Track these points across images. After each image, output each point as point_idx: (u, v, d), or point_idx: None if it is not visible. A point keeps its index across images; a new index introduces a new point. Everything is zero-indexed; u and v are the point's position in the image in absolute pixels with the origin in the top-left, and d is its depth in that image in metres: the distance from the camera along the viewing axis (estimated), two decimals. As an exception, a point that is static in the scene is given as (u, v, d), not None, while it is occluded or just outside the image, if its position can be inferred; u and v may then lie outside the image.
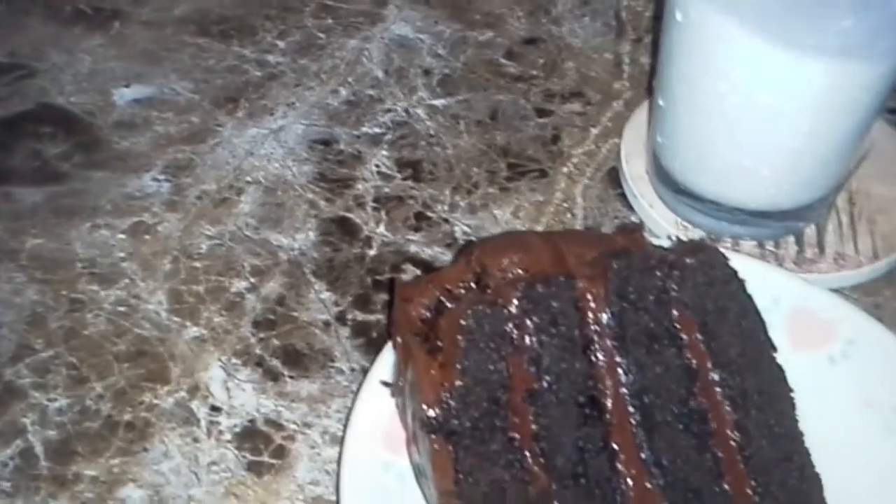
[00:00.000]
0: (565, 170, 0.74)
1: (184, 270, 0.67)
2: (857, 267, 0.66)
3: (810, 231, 0.68)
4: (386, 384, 0.55)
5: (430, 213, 0.71)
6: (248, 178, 0.73)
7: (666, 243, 0.58)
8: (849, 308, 0.60)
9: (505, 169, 0.74)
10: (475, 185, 0.73)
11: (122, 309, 0.64)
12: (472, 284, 0.53)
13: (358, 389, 0.55)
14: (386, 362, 0.55)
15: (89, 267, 0.67)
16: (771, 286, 0.59)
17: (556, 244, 0.53)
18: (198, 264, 0.67)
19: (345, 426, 0.54)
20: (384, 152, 0.75)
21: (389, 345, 0.55)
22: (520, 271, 0.52)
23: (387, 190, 0.72)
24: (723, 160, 0.64)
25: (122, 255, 0.68)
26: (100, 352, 0.62)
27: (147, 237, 0.69)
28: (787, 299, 0.59)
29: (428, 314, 0.52)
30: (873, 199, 0.70)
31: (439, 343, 0.50)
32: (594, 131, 0.78)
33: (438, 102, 0.79)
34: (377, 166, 0.74)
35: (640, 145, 0.73)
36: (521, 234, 0.65)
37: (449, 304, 0.51)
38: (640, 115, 0.75)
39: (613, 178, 0.74)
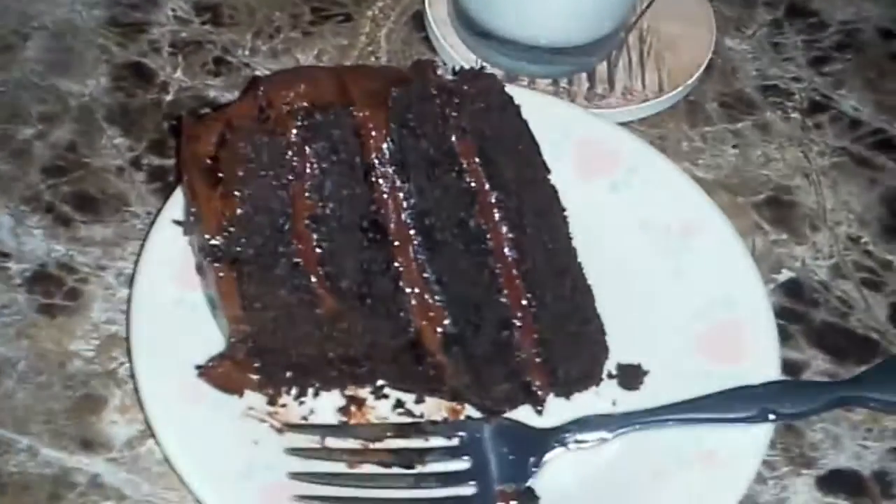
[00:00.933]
0: (370, 13, 0.74)
1: (-34, 119, 0.64)
2: (644, 101, 0.69)
3: (602, 68, 0.70)
4: (178, 223, 0.55)
5: (229, 58, 0.70)
6: (34, 24, 0.69)
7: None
8: (631, 138, 0.63)
9: (308, 13, 0.73)
10: (277, 29, 0.72)
11: None
12: (256, 118, 0.53)
13: (149, 229, 0.55)
14: (178, 202, 0.55)
15: None
16: (560, 120, 0.61)
17: (343, 77, 0.54)
18: (-19, 112, 0.64)
19: (135, 265, 0.54)
20: (181, -5, 0.73)
21: (181, 184, 0.55)
22: (304, 104, 0.52)
23: (184, 34, 0.70)
24: (513, -5, 0.65)
25: None
26: None
27: (-75, 84, 0.65)
28: (575, 131, 0.62)
29: (213, 150, 0.52)
30: (663, 37, 0.72)
31: (220, 175, 0.50)
32: (400, -26, 0.77)
33: (239, -55, 0.77)
34: (173, 10, 0.72)
35: (444, -11, 0.74)
36: (309, 68, 0.65)
37: (227, 136, 0.51)
38: (444, -42, 0.75)
39: (418, 21, 0.74)
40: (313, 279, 0.51)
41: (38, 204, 0.60)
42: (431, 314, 0.51)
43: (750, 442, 0.52)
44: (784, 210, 0.66)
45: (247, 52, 0.70)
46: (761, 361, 0.55)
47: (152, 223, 0.56)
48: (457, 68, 0.56)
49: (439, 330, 0.51)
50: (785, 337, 0.59)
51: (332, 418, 0.53)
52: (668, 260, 0.59)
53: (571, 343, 0.53)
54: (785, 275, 0.63)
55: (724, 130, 0.70)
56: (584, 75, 0.70)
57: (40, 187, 0.61)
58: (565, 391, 0.53)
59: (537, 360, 0.52)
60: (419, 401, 0.54)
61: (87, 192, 0.61)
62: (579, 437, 0.52)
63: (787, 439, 0.56)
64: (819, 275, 0.63)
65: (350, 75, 0.54)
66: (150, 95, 0.67)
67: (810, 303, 0.62)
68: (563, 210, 0.55)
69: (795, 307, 0.61)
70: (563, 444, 0.51)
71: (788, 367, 0.58)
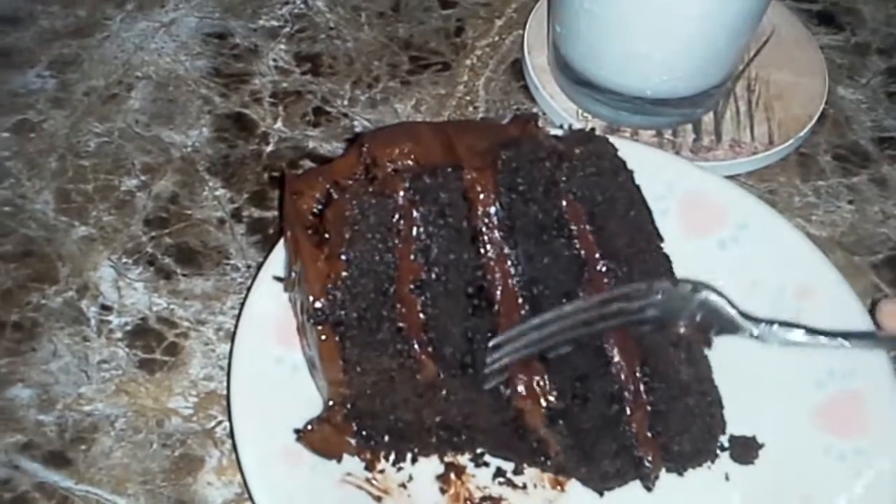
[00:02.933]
0: (468, 62, 0.73)
1: (71, 169, 0.65)
2: (753, 153, 0.66)
3: (708, 119, 0.68)
4: (278, 279, 0.54)
5: (329, 108, 0.69)
6: (138, 74, 0.70)
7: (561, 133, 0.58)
8: (740, 193, 0.61)
9: (407, 62, 0.73)
10: (376, 78, 0.72)
11: (7, 209, 0.62)
12: (361, 176, 0.52)
13: (250, 285, 0.55)
14: (279, 257, 0.55)
15: (-27, 167, 0.65)
16: (665, 172, 0.59)
17: (448, 134, 0.53)
18: (86, 162, 0.65)
19: (236, 321, 0.54)
20: (282, 46, 0.73)
21: (282, 241, 0.55)
22: (409, 162, 0.51)
23: (284, 85, 0.71)
24: (618, 47, 0.63)
25: (6, 153, 0.65)
26: (-15, 254, 0.61)
27: (32, 135, 0.66)
28: (681, 185, 0.60)
29: (318, 207, 0.51)
30: (772, 86, 0.70)
31: (326, 235, 0.49)
32: (498, 23, 0.76)
33: (339, -6, 0.77)
34: (275, 60, 0.72)
35: (544, 36, 0.72)
36: (413, 124, 0.64)
37: (334, 195, 0.51)
38: (544, 6, 0.74)
39: (517, 70, 0.73)
40: (416, 345, 0.49)
41: (141, 256, 0.61)
42: (536, 388, 0.50)
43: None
44: (904, 271, 0.63)
45: (346, 102, 0.70)
46: (884, 435, 0.51)
47: (253, 278, 0.55)
48: (563, 125, 0.55)
49: (543, 404, 0.49)
50: (907, 408, 0.56)
51: (432, 485, 0.52)
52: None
53: (685, 416, 0.50)
54: (906, 341, 0.59)
55: (839, 185, 0.67)
56: (689, 126, 0.68)
57: (142, 239, 0.61)
58: (678, 467, 0.51)
59: (649, 434, 0.50)
60: (518, 471, 0.52)
61: (188, 245, 0.61)
62: None
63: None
64: (943, 342, 0.59)
65: (455, 133, 0.53)
66: (251, 146, 0.67)
67: (935, 372, 0.58)
68: (677, 281, 0.52)
69: (918, 376, 0.58)
70: None
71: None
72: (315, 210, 0.51)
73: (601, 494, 0.50)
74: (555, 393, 0.49)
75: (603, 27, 0.63)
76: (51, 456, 0.53)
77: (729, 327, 0.51)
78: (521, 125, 0.55)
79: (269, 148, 0.67)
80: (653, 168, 0.57)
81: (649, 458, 0.50)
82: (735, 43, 0.64)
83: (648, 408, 0.50)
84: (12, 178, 0.64)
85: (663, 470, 0.50)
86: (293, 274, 0.52)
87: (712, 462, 0.51)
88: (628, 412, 0.49)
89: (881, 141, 0.69)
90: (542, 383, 0.49)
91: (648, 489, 0.50)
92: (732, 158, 0.66)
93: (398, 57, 0.73)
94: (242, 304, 0.54)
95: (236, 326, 0.53)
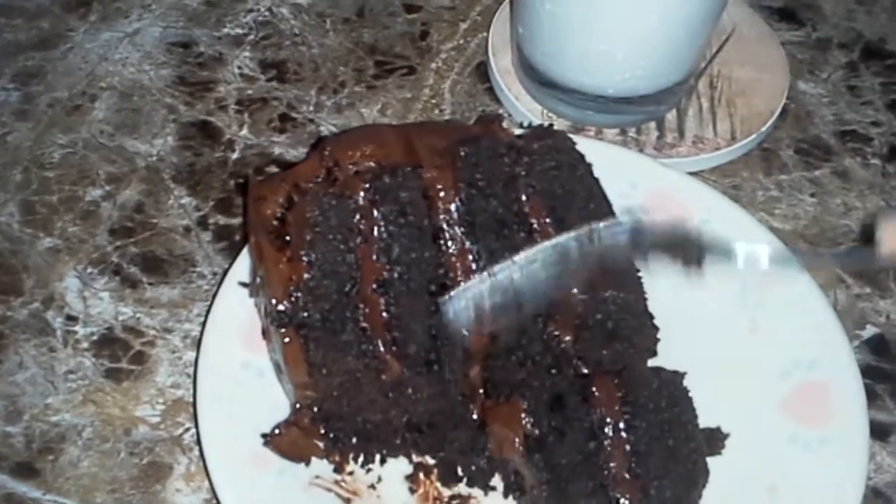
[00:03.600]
0: (434, 66, 0.74)
1: (35, 181, 0.65)
2: (716, 149, 0.67)
3: (671, 116, 0.69)
4: (244, 284, 0.54)
5: (294, 114, 0.70)
6: (103, 84, 0.70)
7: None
8: (703, 188, 0.61)
9: (372, 67, 0.73)
10: (342, 84, 0.72)
11: (-29, 222, 0.63)
12: (323, 179, 0.52)
13: (216, 291, 0.55)
14: (245, 263, 0.55)
15: (-65, 180, 0.65)
16: (629, 170, 0.60)
17: (409, 135, 0.53)
18: (50, 174, 0.65)
19: (202, 327, 0.54)
20: (247, 53, 0.73)
21: (248, 246, 0.55)
22: (370, 163, 0.51)
23: (250, 92, 0.71)
24: (579, 46, 0.64)
25: (-31, 167, 0.65)
26: (-52, 267, 0.60)
27: (-4, 148, 0.67)
28: (645, 182, 0.60)
29: (281, 211, 0.51)
30: (734, 83, 0.71)
31: (287, 238, 0.49)
32: (463, 26, 0.76)
33: (303, 0, 0.77)
34: (239, 68, 0.72)
35: (508, 39, 0.73)
36: (374, 126, 0.64)
37: (295, 199, 0.51)
38: (508, 9, 0.74)
39: (482, 72, 0.73)
40: (380, 344, 0.49)
41: (106, 266, 0.61)
42: (514, 418, 0.49)
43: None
44: (867, 262, 0.63)
45: (311, 108, 0.70)
46: (849, 424, 0.52)
47: (219, 285, 0.55)
48: (524, 123, 0.55)
49: (521, 434, 0.48)
50: (871, 397, 0.56)
51: (401, 486, 0.52)
52: (744, 315, 0.57)
53: (666, 459, 0.49)
54: (869, 331, 0.60)
55: (801, 178, 0.67)
56: (653, 124, 0.68)
57: (108, 249, 0.61)
58: None
59: (627, 475, 0.48)
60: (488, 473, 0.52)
61: (154, 254, 0.61)
62: None
63: (877, 508, 0.53)
64: (906, 330, 0.60)
65: (416, 133, 0.53)
66: (216, 154, 0.67)
67: (897, 360, 0.59)
68: (638, 270, 0.53)
69: (881, 364, 0.59)
70: None
71: (875, 429, 0.55)
72: (277, 214, 0.51)
73: None
74: (531, 421, 0.49)
75: (564, 27, 0.63)
76: (18, 467, 0.53)
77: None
78: (484, 125, 0.55)
79: (235, 155, 0.67)
80: (617, 166, 0.58)
81: (626, 501, 0.48)
82: (695, 40, 0.64)
83: (628, 447, 0.48)
84: (-24, 191, 0.64)
85: None
86: (258, 279, 0.52)
87: None
88: (607, 449, 0.48)
89: (843, 134, 0.70)
90: (519, 414, 0.49)
91: None
92: (696, 155, 0.66)
93: (363, 62, 0.73)
94: (208, 310, 0.54)
95: (202, 332, 0.53)
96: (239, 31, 0.75)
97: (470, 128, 0.55)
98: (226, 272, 0.56)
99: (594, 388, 0.49)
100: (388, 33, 0.75)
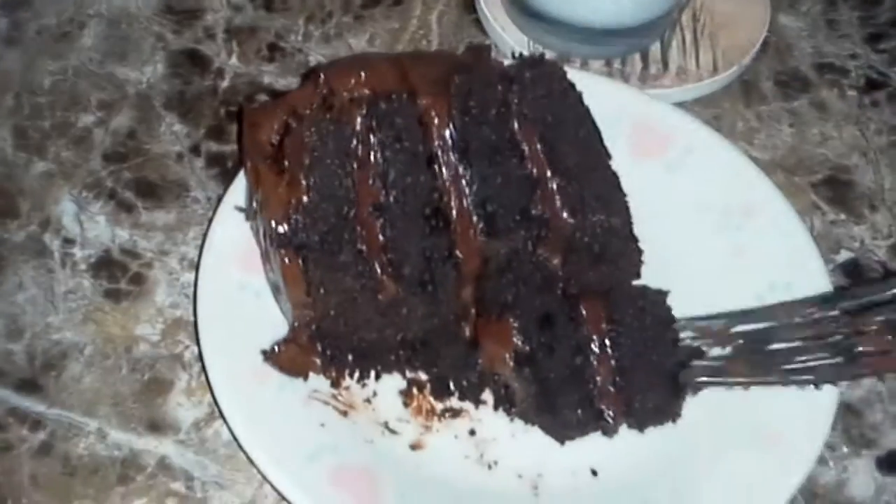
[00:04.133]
0: (421, -4, 0.74)
1: (27, 106, 0.65)
2: (699, 81, 0.68)
3: (655, 48, 0.70)
4: (240, 209, 0.55)
5: (283, 44, 0.70)
6: (90, 12, 0.70)
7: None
8: (686, 118, 0.63)
9: (360, -4, 0.74)
10: (329, 14, 0.72)
11: (-37, 147, 0.63)
12: (318, 106, 0.53)
13: (211, 215, 0.56)
14: (239, 188, 0.56)
15: (-73, 107, 0.65)
16: (613, 100, 0.61)
17: (403, 64, 0.54)
18: (42, 100, 0.65)
19: (200, 250, 0.55)
20: (234, -18, 0.73)
21: (242, 172, 0.56)
22: (365, 91, 0.52)
23: (238, 21, 0.71)
24: (566, -24, 0.65)
25: (-40, 93, 0.66)
26: (-57, 190, 0.61)
27: (-14, 74, 0.67)
28: (628, 112, 0.61)
29: (276, 137, 0.52)
30: (716, 16, 0.72)
31: (285, 163, 0.51)
32: (450, -43, 0.77)
33: (289, -70, 0.77)
34: (227, -4, 0.72)
35: (495, -30, 0.73)
36: (368, 55, 0.65)
37: (292, 125, 0.52)
38: (495, -61, 0.75)
39: (469, 3, 0.74)
40: (376, 265, 0.51)
41: (101, 190, 0.61)
42: (504, 334, 0.51)
43: (813, 423, 0.51)
44: (842, 189, 0.65)
45: (300, 38, 0.70)
46: None
47: (214, 209, 0.56)
48: (515, 53, 0.56)
49: (511, 350, 0.50)
50: (843, 317, 0.59)
51: (395, 399, 0.54)
52: (727, 240, 0.59)
53: (650, 373, 0.51)
54: (844, 255, 0.62)
55: (780, 109, 0.69)
56: (637, 55, 0.70)
57: (102, 174, 0.62)
58: (639, 423, 0.52)
59: (611, 388, 0.51)
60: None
61: (148, 179, 0.62)
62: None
63: (847, 420, 0.55)
64: (878, 255, 0.62)
65: (409, 62, 0.54)
66: (206, 82, 0.67)
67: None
68: (625, 196, 0.54)
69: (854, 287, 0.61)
70: None
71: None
72: (273, 140, 0.52)
73: (562, 443, 0.52)
74: (521, 339, 0.50)
75: (551, -44, 0.64)
76: (22, 383, 0.54)
77: None
78: (473, 55, 0.56)
79: (225, 84, 0.67)
80: (602, 96, 0.58)
81: (611, 412, 0.51)
82: (680, -29, 0.65)
83: (613, 362, 0.51)
84: (-32, 116, 0.64)
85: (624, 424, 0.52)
86: (254, 203, 0.53)
87: (674, 422, 0.52)
88: (593, 364, 0.51)
89: (821, 67, 0.72)
90: (510, 331, 0.51)
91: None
92: (679, 86, 0.68)
93: (351, -8, 0.74)
94: (205, 234, 0.55)
95: (200, 254, 0.55)
96: (226, -41, 0.75)
97: (461, 58, 0.57)
98: (220, 197, 0.57)
99: (582, 308, 0.51)
100: (375, -36, 0.76)
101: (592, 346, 0.51)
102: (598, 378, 0.51)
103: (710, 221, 0.59)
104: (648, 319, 0.52)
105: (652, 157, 0.61)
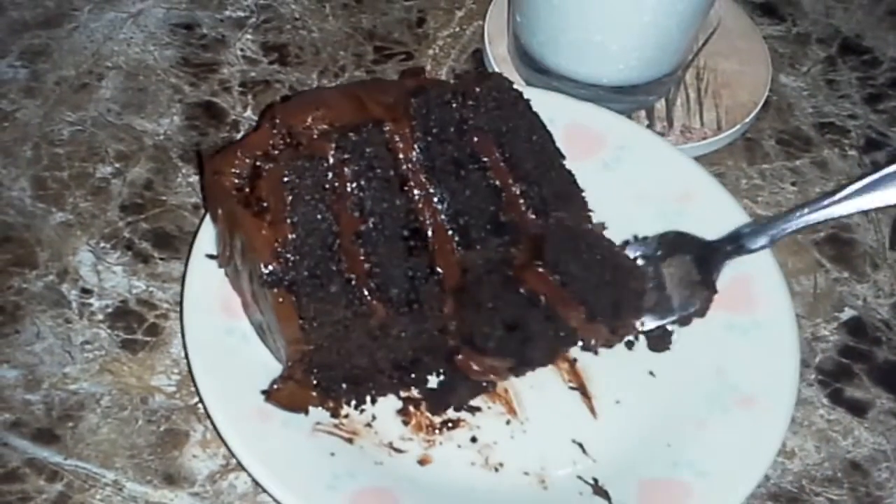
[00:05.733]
0: (431, 52, 0.76)
1: (46, 157, 0.66)
2: (703, 139, 0.70)
3: (660, 105, 0.72)
4: (211, 256, 0.56)
5: (295, 96, 0.71)
6: (108, 64, 0.72)
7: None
8: (616, 119, 0.66)
9: (371, 52, 0.75)
10: (342, 68, 0.74)
11: (-17, 197, 0.64)
12: (280, 145, 0.54)
13: (185, 265, 0.57)
14: (206, 237, 0.57)
15: (-53, 155, 0.66)
16: (546, 107, 0.60)
17: (355, 94, 0.56)
18: (60, 150, 0.66)
19: (180, 302, 0.56)
20: (249, 36, 0.75)
21: (207, 218, 0.57)
22: (324, 126, 0.54)
23: (253, 74, 0.72)
24: (576, 36, 0.66)
25: (-20, 142, 0.67)
26: (-37, 239, 0.62)
27: (6, 124, 0.67)
28: (561, 117, 0.63)
29: (240, 181, 0.53)
30: (719, 75, 0.74)
31: (264, 204, 0.51)
32: (459, 14, 0.79)
33: (302, -15, 0.79)
34: (242, 50, 0.74)
35: (503, 27, 0.75)
36: (318, 90, 0.66)
37: (264, 167, 0.52)
38: (502, -2, 0.77)
39: (477, 59, 0.75)
40: (364, 291, 0.53)
41: (118, 241, 0.62)
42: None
43: (783, 384, 0.55)
44: (844, 248, 0.67)
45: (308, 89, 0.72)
46: (774, 307, 0.58)
47: (186, 260, 0.57)
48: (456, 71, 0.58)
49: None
50: (849, 376, 0.60)
51: (394, 420, 0.55)
52: (668, 226, 0.62)
53: (606, 287, 0.57)
54: (847, 313, 0.63)
55: (783, 168, 0.71)
56: (643, 112, 0.71)
57: (119, 224, 0.63)
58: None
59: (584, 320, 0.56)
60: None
61: (164, 230, 0.63)
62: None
63: (853, 479, 0.56)
64: (881, 313, 0.64)
65: (362, 91, 0.56)
66: (221, 134, 0.68)
67: (873, 341, 0.62)
68: (582, 191, 0.58)
69: (858, 346, 0.62)
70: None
71: (852, 406, 0.59)
72: (240, 184, 0.53)
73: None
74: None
75: (562, 17, 0.66)
76: (39, 433, 0.54)
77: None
78: (414, 77, 0.59)
79: (240, 136, 0.69)
80: (535, 105, 0.59)
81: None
82: (686, 33, 0.67)
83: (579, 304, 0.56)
84: (-13, 166, 0.65)
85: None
86: (228, 249, 0.54)
87: (631, 350, 0.59)
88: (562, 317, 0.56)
89: (821, 126, 0.73)
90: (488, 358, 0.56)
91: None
92: (683, 143, 0.69)
93: (363, 47, 0.75)
94: (182, 286, 0.56)
95: (181, 307, 0.55)
96: (240, 13, 0.76)
97: (405, 82, 0.58)
98: (191, 247, 0.57)
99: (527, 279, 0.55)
100: (386, 19, 0.77)
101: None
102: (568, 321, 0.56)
103: (650, 212, 0.63)
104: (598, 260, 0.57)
105: (589, 156, 0.64)
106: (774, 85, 0.74)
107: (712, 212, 0.62)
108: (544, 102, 0.62)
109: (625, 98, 0.70)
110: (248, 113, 0.70)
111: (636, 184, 0.63)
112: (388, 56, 0.75)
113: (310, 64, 0.73)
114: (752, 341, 0.57)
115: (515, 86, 0.57)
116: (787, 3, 0.82)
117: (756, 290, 0.59)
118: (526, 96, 0.58)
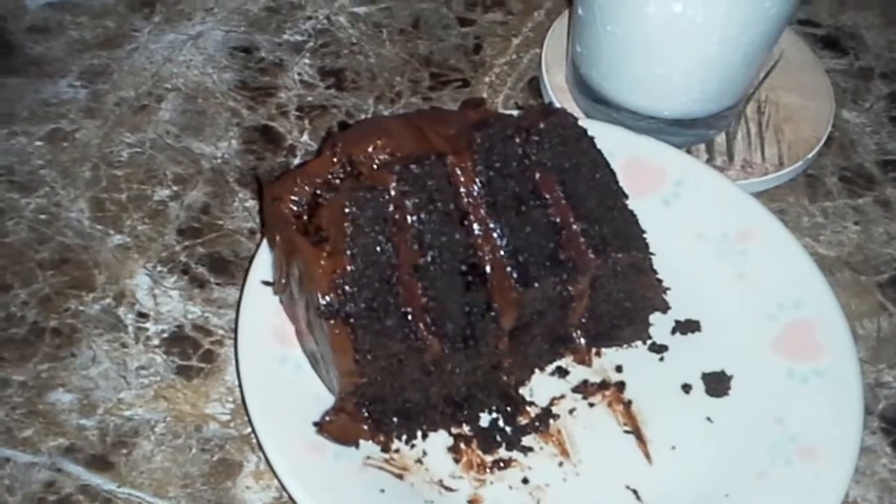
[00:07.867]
0: (487, 79, 0.75)
1: (105, 178, 0.66)
2: (764, 174, 0.69)
3: (720, 139, 0.71)
4: (267, 283, 0.56)
5: (353, 122, 0.71)
6: (168, 85, 0.72)
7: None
8: (674, 153, 0.65)
9: (427, 78, 0.75)
10: (398, 94, 0.74)
11: (43, 217, 0.64)
12: (340, 174, 0.54)
13: (241, 291, 0.56)
14: (262, 263, 0.57)
15: (7, 175, 0.66)
16: (605, 141, 0.59)
17: (417, 125, 0.55)
18: (119, 172, 0.67)
19: (235, 328, 0.56)
20: (306, 60, 0.75)
21: (264, 244, 0.56)
22: (385, 155, 0.53)
23: (310, 98, 0.72)
24: (638, 69, 0.66)
25: (40, 162, 0.67)
26: (22, 259, 0.62)
27: (65, 144, 0.68)
28: (621, 151, 0.62)
29: (299, 209, 0.53)
30: (781, 109, 0.72)
31: (323, 233, 0.51)
32: (516, 41, 0.78)
33: (360, 10, 0.79)
34: (299, 74, 0.74)
35: (561, 55, 0.74)
36: (380, 119, 0.66)
37: (324, 196, 0.52)
38: (561, 25, 0.76)
39: (534, 87, 0.75)
40: (420, 326, 0.52)
41: (175, 265, 0.62)
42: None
43: (847, 436, 0.54)
44: (909, 290, 0.65)
45: (369, 117, 0.72)
46: (838, 354, 0.56)
47: (242, 286, 0.57)
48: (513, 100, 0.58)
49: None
50: (914, 423, 0.59)
51: (445, 457, 0.54)
52: (729, 266, 0.61)
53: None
54: (912, 358, 0.62)
55: (845, 206, 0.69)
56: (702, 146, 0.70)
57: (176, 248, 0.63)
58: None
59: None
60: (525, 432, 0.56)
61: (220, 255, 0.63)
62: None
63: None
64: (946, 358, 0.62)
65: (424, 123, 0.56)
66: (278, 158, 0.68)
67: (939, 387, 0.61)
68: (644, 232, 0.57)
69: (924, 391, 0.61)
70: None
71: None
72: (299, 212, 0.53)
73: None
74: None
75: (624, 49, 0.65)
76: (93, 459, 0.54)
77: None
78: (474, 109, 0.58)
79: (297, 160, 0.69)
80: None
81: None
82: (750, 67, 0.66)
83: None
84: (47, 186, 0.65)
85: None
86: (284, 277, 0.54)
87: (688, 394, 0.58)
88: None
89: (885, 164, 0.72)
90: None
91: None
92: (744, 179, 0.68)
93: (419, 73, 0.75)
94: (237, 312, 0.56)
95: (236, 335, 0.55)
96: (298, 37, 0.76)
97: (466, 114, 0.58)
98: (246, 273, 0.57)
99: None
100: (443, 46, 0.77)
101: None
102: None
103: (711, 248, 0.62)
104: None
105: (648, 192, 0.63)
106: (836, 120, 0.73)
107: (774, 252, 0.61)
108: (603, 135, 0.61)
109: (685, 131, 0.69)
110: (305, 137, 0.70)
111: (695, 221, 0.62)
112: (445, 83, 0.74)
113: (366, 89, 0.73)
114: (813, 389, 0.55)
115: (579, 122, 0.56)
116: (850, 37, 0.80)
117: (819, 337, 0.57)
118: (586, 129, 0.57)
